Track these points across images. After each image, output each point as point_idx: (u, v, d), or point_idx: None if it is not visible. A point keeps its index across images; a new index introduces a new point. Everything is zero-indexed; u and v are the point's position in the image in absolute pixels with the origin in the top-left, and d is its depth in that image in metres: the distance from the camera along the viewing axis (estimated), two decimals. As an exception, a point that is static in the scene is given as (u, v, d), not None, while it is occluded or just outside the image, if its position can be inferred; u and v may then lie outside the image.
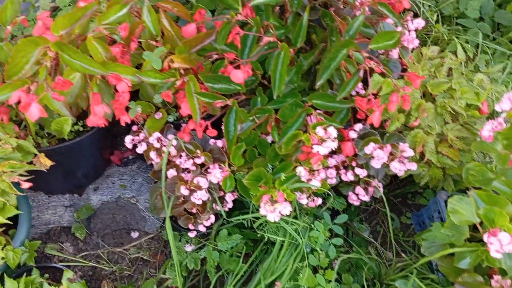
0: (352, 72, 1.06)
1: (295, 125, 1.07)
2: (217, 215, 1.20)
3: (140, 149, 1.12)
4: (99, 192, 1.46)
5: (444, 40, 1.48)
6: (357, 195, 1.19)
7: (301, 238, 1.06)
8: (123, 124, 1.09)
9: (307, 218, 1.16)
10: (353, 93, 1.16)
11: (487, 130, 1.03)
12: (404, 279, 1.12)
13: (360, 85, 1.16)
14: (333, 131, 1.01)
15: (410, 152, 1.08)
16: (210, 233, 1.24)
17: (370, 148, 1.05)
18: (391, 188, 1.55)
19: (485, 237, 0.87)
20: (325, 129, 1.02)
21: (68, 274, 1.07)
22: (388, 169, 1.12)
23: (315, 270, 1.14)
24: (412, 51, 1.26)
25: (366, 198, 1.18)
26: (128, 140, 1.16)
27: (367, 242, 1.42)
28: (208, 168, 1.13)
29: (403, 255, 1.38)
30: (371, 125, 1.18)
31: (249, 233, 1.24)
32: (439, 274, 1.20)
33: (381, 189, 1.21)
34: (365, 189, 1.18)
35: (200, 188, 1.07)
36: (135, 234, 1.38)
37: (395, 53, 1.20)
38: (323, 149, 1.01)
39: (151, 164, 1.16)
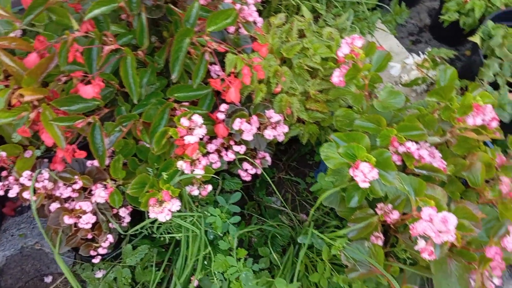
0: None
1: (162, 123, 1.07)
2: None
3: (13, 192, 1.07)
4: (0, 249, 1.38)
5: (295, 6, 1.55)
6: (246, 170, 1.22)
7: (198, 228, 1.08)
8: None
9: (209, 207, 1.18)
10: (215, 76, 1.19)
11: (336, 77, 1.10)
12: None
13: (218, 67, 1.18)
14: (197, 119, 1.03)
15: (276, 117, 1.13)
16: (121, 252, 1.22)
17: (237, 123, 1.08)
18: (289, 154, 1.61)
19: (351, 172, 0.93)
20: (189, 118, 1.03)
21: None
22: (269, 138, 1.16)
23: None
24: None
25: (254, 171, 1.22)
26: None
27: (280, 211, 1.47)
28: (91, 190, 1.10)
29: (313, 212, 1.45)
30: (245, 102, 1.22)
31: (158, 240, 1.24)
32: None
33: (269, 159, 1.26)
34: (252, 164, 1.22)
35: (85, 212, 1.05)
36: (48, 279, 1.33)
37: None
38: (193, 138, 1.02)
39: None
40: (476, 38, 1.41)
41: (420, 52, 1.60)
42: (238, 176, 1.26)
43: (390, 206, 1.03)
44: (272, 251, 1.27)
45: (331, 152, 1.05)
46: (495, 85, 1.38)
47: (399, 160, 1.09)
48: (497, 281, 1.00)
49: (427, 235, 0.84)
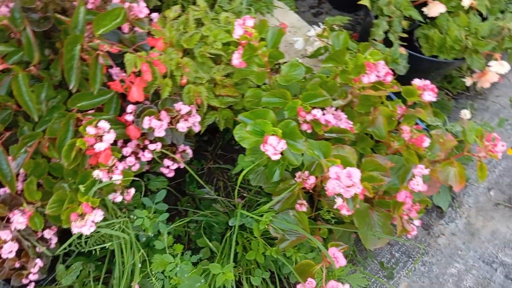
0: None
1: (68, 136, 1.04)
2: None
3: None
4: None
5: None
6: (167, 167, 1.22)
7: (128, 234, 1.07)
8: None
9: (139, 210, 1.17)
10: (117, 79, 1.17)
11: (236, 59, 1.13)
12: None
13: (118, 69, 1.17)
14: (104, 124, 1.02)
15: (185, 109, 1.13)
16: (57, 275, 1.19)
17: (146, 122, 1.08)
18: (214, 143, 1.63)
19: (262, 148, 0.96)
20: (95, 125, 1.01)
21: None
22: (183, 131, 1.17)
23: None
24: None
25: (177, 166, 1.22)
26: None
27: (215, 200, 1.49)
28: (9, 218, 1.06)
29: (246, 194, 1.48)
30: (154, 98, 1.21)
31: (94, 254, 1.21)
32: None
33: (190, 151, 1.27)
34: (173, 159, 1.22)
35: (5, 241, 1.01)
36: (-15, 320, 1.26)
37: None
38: (103, 144, 1.01)
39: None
40: (365, 1, 1.49)
41: (320, 24, 1.66)
42: (162, 174, 1.25)
43: (307, 173, 1.08)
44: (212, 240, 1.29)
45: (244, 133, 1.07)
46: (390, 43, 1.46)
47: (310, 128, 1.14)
48: (417, 222, 1.08)
49: (338, 192, 0.89)
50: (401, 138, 1.14)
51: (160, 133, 1.09)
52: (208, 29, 1.28)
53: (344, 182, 0.87)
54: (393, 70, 1.38)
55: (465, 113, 1.47)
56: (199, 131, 1.26)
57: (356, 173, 0.87)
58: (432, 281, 1.44)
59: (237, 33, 1.10)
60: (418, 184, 0.99)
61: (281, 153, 0.98)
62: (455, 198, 1.64)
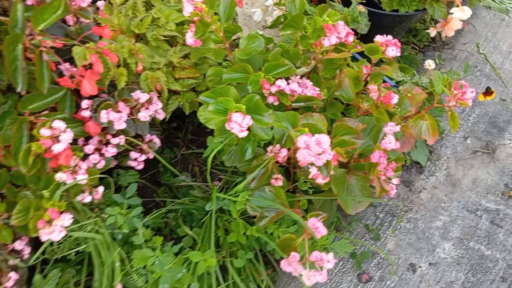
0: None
1: (23, 141, 0.99)
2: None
3: None
4: None
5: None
6: (135, 159, 1.17)
7: (101, 233, 1.03)
8: None
9: (110, 208, 1.12)
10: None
11: (189, 38, 1.07)
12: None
13: (67, 65, 1.10)
14: (59, 124, 0.96)
15: (144, 97, 1.08)
16: (37, 285, 1.15)
17: (103, 115, 1.03)
18: (185, 129, 1.58)
19: (227, 126, 0.92)
20: (50, 127, 0.96)
21: None
22: (145, 120, 1.12)
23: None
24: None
25: (145, 157, 1.18)
26: None
27: (192, 187, 1.45)
28: (-26, 235, 1.00)
29: (223, 176, 1.44)
30: (110, 90, 1.16)
31: (72, 259, 1.17)
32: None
33: (157, 140, 1.22)
34: (141, 150, 1.17)
35: (-28, 260, 0.96)
36: None
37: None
38: (61, 145, 0.96)
39: None
40: (320, -37, 1.44)
41: (277, -9, 1.61)
42: (132, 167, 1.21)
43: (278, 146, 1.05)
44: (193, 228, 1.26)
45: (208, 113, 1.03)
46: (349, 2, 1.42)
47: (276, 100, 1.10)
48: (396, 180, 1.07)
49: (310, 162, 0.86)
50: (369, 98, 1.12)
51: (120, 125, 1.04)
52: (158, 11, 1.22)
53: (314, 150, 0.84)
54: (354, 30, 1.34)
55: (429, 63, 1.45)
56: (165, 118, 1.21)
57: (325, 139, 0.84)
58: (419, 237, 1.44)
59: (187, 10, 1.05)
60: (390, 142, 0.97)
61: (249, 130, 0.94)
62: (433, 152, 1.64)
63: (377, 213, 1.47)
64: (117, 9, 1.22)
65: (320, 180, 0.94)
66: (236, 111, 0.92)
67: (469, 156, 1.64)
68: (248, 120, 0.92)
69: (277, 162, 1.07)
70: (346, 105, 1.23)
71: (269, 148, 1.06)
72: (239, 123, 0.91)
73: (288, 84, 1.08)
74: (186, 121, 1.58)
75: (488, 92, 1.29)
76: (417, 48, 1.89)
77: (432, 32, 1.55)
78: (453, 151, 1.65)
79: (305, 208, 1.12)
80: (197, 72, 1.23)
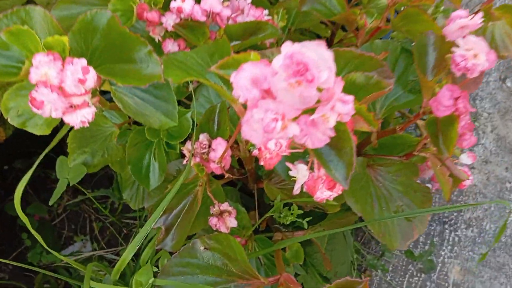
0: None
1: None
2: None
3: None
4: None
5: None
6: None
7: None
8: None
9: None
10: None
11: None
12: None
13: None
14: None
15: None
16: None
17: None
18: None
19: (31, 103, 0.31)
20: None
21: None
22: None
23: None
24: None
25: None
26: None
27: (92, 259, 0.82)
28: None
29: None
30: None
31: None
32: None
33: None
34: None
35: None
36: None
37: None
38: None
39: None
40: None
41: None
42: None
43: (203, 137, 0.44)
44: None
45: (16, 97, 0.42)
46: None
47: (182, 42, 0.51)
48: (468, 157, 0.50)
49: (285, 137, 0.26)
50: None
51: None
52: None
53: (293, 93, 0.24)
54: None
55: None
56: None
57: (320, 54, 0.24)
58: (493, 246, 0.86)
59: None
60: (473, 52, 0.38)
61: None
62: (464, 110, 1.08)
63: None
64: None
65: (324, 195, 0.35)
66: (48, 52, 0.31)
67: (514, 105, 1.09)
68: (86, 75, 0.31)
69: (215, 176, 0.47)
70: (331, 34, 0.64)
71: (186, 147, 0.45)
72: (54, 84, 0.30)
73: (198, 3, 0.49)
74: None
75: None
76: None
77: None
78: (492, 103, 1.09)
79: (299, 262, 0.51)
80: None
